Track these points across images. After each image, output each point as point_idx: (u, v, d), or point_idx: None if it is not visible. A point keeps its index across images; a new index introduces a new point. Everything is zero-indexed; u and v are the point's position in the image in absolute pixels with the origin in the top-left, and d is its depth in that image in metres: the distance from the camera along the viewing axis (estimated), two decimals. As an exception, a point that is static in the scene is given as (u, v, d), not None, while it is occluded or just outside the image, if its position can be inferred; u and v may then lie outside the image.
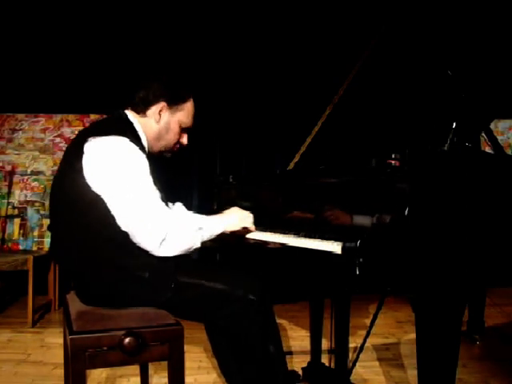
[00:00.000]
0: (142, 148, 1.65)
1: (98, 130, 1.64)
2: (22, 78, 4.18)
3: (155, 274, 1.59)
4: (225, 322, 1.63)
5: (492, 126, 2.37)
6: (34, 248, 4.14)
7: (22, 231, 4.18)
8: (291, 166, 2.38)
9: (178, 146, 1.85)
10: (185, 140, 1.86)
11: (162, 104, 1.76)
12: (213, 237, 1.70)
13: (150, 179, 1.61)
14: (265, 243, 1.87)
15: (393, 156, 1.78)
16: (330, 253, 1.54)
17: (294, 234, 1.79)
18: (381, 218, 1.50)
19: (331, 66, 3.79)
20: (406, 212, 1.46)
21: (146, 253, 1.58)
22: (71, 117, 4.32)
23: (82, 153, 1.57)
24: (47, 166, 4.29)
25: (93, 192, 1.55)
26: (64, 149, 1.77)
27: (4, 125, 4.28)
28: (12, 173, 4.25)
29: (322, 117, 2.31)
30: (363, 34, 2.38)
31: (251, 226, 1.84)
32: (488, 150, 2.17)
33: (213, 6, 4.12)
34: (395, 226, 1.47)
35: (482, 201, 1.67)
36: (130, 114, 1.76)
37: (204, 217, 1.72)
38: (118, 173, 1.56)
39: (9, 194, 4.20)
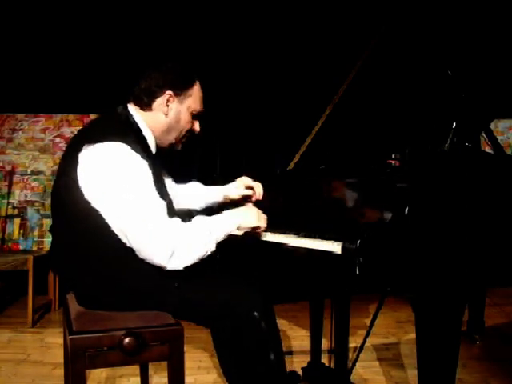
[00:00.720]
0: (145, 151, 1.53)
1: (93, 135, 1.51)
2: (22, 78, 4.17)
3: (156, 294, 1.54)
4: (226, 335, 1.55)
5: (492, 125, 2.37)
6: (34, 248, 4.13)
7: (22, 231, 4.18)
8: (291, 165, 2.38)
9: (189, 134, 1.72)
10: (197, 127, 1.72)
11: (168, 93, 1.61)
12: (228, 234, 1.58)
13: (153, 188, 1.49)
14: (265, 243, 1.87)
15: (393, 156, 1.79)
16: (330, 253, 1.54)
17: (294, 234, 1.79)
18: (381, 217, 1.50)
19: (331, 65, 3.79)
20: (406, 212, 1.46)
21: (147, 267, 1.49)
22: (71, 117, 4.31)
23: (76, 163, 1.47)
24: (47, 166, 4.28)
25: (89, 204, 1.47)
26: (64, 149, 1.68)
27: (4, 125, 4.27)
28: (12, 173, 4.24)
29: (322, 117, 2.31)
30: (363, 34, 2.37)
31: (264, 226, 1.73)
32: (488, 149, 2.17)
33: (212, 5, 4.12)
34: (395, 225, 1.47)
35: (481, 201, 1.67)
36: (133, 111, 1.63)
37: (215, 217, 1.61)
38: (115, 185, 1.45)
39: (9, 193, 4.20)
